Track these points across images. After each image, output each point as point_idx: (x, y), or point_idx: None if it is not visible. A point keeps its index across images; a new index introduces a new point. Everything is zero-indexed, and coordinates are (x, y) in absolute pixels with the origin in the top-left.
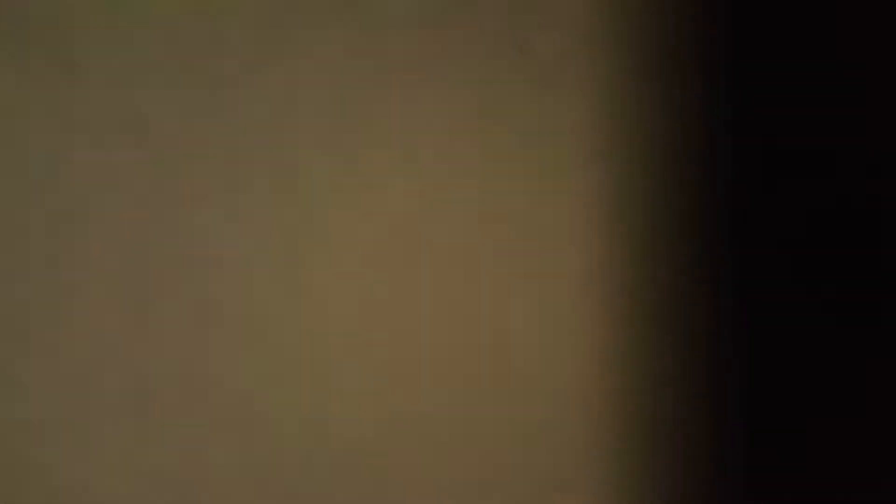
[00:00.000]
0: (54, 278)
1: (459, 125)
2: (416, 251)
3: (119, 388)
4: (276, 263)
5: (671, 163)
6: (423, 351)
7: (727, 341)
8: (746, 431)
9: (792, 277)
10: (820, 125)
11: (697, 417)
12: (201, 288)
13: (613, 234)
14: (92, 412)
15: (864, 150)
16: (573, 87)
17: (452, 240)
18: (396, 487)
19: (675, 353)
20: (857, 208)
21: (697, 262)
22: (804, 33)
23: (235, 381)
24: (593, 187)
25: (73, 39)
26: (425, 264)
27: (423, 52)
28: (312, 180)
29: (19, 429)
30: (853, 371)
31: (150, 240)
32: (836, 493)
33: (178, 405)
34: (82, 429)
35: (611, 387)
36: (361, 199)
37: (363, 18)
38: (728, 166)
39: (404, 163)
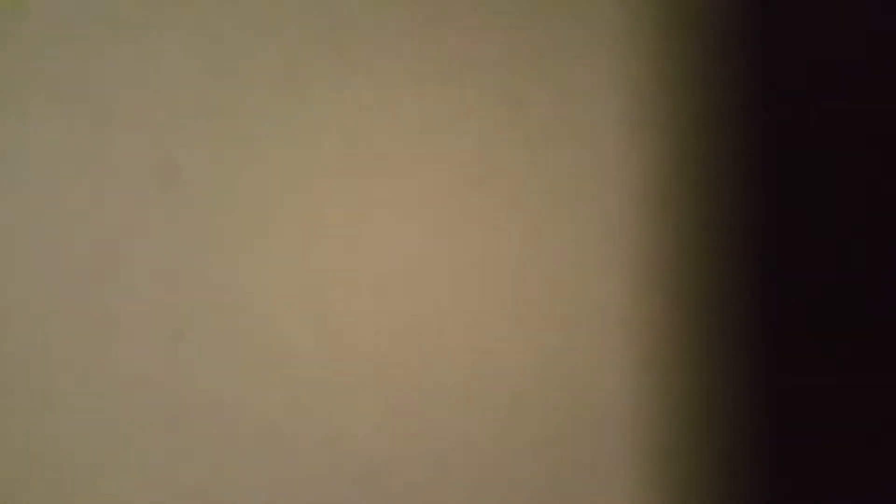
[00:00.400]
0: (93, 314)
1: (463, 175)
2: (427, 289)
3: (154, 412)
4: (297, 300)
5: (669, 214)
6: (434, 377)
7: (750, 350)
8: (772, 443)
9: (821, 287)
10: (853, 123)
11: (723, 428)
12: (230, 322)
13: (613, 274)
14: (129, 434)
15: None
16: (564, 141)
17: (459, 279)
18: (410, 502)
19: (701, 365)
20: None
21: (713, 288)
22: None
23: (261, 406)
24: (588, 231)
25: (108, 93)
26: (435, 300)
27: (429, 110)
28: (330, 224)
29: (61, 449)
30: (886, 376)
31: (182, 279)
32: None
33: (207, 428)
34: (120, 449)
35: (634, 404)
36: (376, 242)
37: (374, 79)
38: (740, 198)
39: (415, 209)
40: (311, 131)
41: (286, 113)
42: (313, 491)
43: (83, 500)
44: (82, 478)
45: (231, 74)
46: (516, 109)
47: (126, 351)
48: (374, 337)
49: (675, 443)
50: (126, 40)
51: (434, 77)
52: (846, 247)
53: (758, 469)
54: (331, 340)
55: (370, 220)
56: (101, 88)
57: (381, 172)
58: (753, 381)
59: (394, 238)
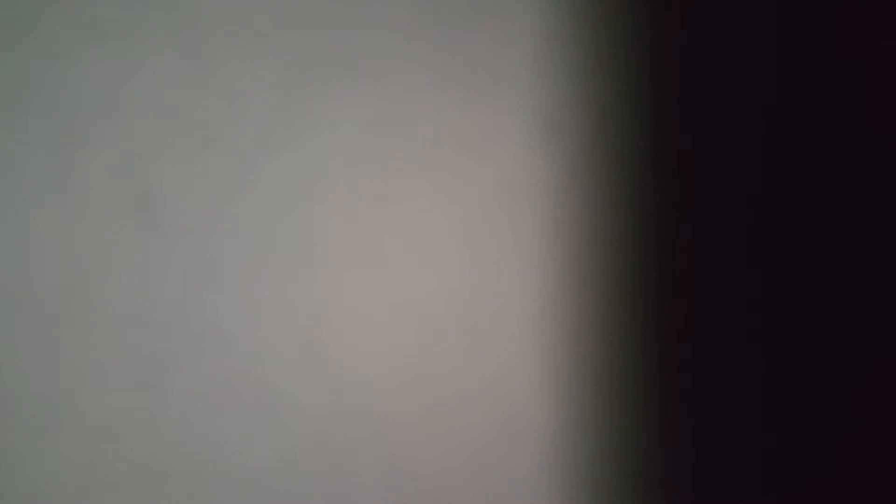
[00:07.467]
0: (56, 358)
1: (477, 203)
2: (437, 329)
3: (123, 467)
4: (291, 341)
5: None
6: (437, 428)
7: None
8: (684, 442)
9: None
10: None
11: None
12: (211, 367)
13: (554, 255)
14: (94, 492)
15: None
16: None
17: (471, 318)
18: None
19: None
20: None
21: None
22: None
23: (246, 461)
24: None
25: (80, 105)
26: (445, 342)
27: (444, 127)
28: (330, 256)
29: (28, 500)
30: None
31: (158, 318)
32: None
33: (183, 487)
34: (93, 501)
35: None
36: (380, 276)
37: (383, 92)
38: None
39: (425, 239)
40: (310, 152)
41: (282, 131)
42: None
43: None
44: None
45: (221, 87)
46: (549, 128)
47: (93, 399)
48: (377, 382)
49: (585, 444)
50: (102, 45)
51: (451, 89)
52: (753, 243)
53: (669, 468)
54: (328, 386)
55: (374, 252)
56: (72, 99)
57: (389, 199)
58: (663, 380)
59: (401, 272)
